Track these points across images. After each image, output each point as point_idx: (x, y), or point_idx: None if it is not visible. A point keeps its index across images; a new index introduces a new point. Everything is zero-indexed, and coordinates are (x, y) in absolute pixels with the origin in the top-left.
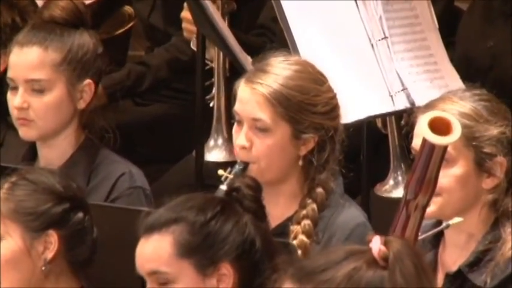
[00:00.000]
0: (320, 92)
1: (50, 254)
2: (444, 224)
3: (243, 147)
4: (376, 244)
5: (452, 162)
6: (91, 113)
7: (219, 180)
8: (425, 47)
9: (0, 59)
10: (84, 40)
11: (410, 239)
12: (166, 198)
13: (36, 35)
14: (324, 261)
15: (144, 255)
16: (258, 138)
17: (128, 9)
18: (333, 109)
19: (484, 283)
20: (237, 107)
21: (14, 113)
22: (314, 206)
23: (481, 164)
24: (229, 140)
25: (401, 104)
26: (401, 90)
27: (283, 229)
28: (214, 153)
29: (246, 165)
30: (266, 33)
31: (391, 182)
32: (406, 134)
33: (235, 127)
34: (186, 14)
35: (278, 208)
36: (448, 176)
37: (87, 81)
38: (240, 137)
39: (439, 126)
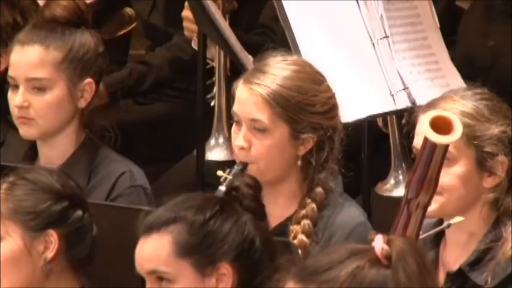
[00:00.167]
0: (318, 92)
1: (50, 253)
2: (445, 224)
3: (242, 148)
4: (379, 243)
5: (454, 161)
6: (92, 112)
7: (219, 179)
8: (426, 46)
9: (1, 58)
10: (85, 39)
11: (411, 238)
12: (166, 197)
13: (38, 34)
14: (326, 260)
15: (143, 255)
16: (257, 138)
17: (129, 10)
18: (331, 109)
19: (485, 282)
20: (236, 108)
21: (14, 111)
22: (313, 205)
23: (482, 163)
24: (230, 139)
25: (403, 103)
26: (403, 89)
27: (282, 229)
28: (215, 152)
29: (245, 165)
30: (267, 32)
31: (392, 181)
32: (407, 133)
33: (234, 128)
34: (187, 13)
35: (277, 208)
36: (449, 175)
37: (88, 80)
38: (239, 138)
39: (440, 125)
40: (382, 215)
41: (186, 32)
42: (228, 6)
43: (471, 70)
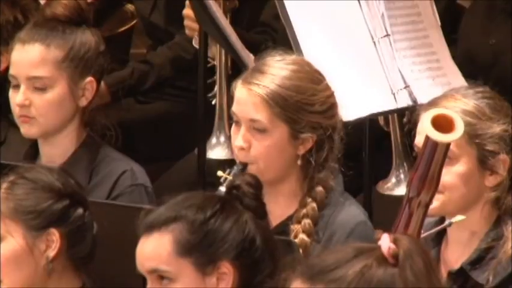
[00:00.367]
0: (317, 91)
1: (52, 252)
2: (447, 222)
3: (241, 148)
4: (386, 242)
5: (455, 160)
6: (93, 111)
7: (219, 180)
8: (427, 44)
9: (2, 56)
10: (86, 38)
11: (416, 237)
12: (167, 196)
13: (38, 33)
14: (333, 259)
15: (144, 254)
16: (256, 139)
17: (130, 7)
18: (330, 108)
19: (486, 281)
20: (235, 108)
21: (15, 110)
22: (314, 204)
23: (483, 162)
24: (231, 138)
25: (404, 101)
26: (404, 87)
27: (283, 228)
28: (217, 150)
29: (244, 166)
30: (268, 30)
31: (394, 179)
32: (409, 132)
33: (233, 128)
34: (188, 11)
35: (278, 207)
36: (450, 174)
37: (89, 78)
38: (238, 138)
39: (442, 124)
40: (384, 213)
41: (187, 31)
42: (229, 4)
43: (472, 68)
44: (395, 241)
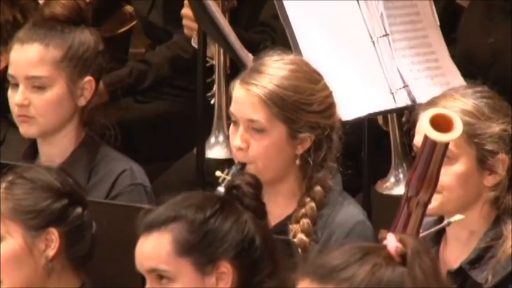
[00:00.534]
0: (315, 91)
1: (51, 252)
2: (445, 222)
3: (240, 149)
4: (392, 241)
5: (454, 160)
6: (91, 110)
7: (218, 179)
8: (426, 44)
9: (1, 56)
10: (85, 37)
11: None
12: (167, 195)
13: (37, 32)
14: (341, 259)
15: (143, 253)
16: (254, 139)
17: (129, 8)
18: (329, 107)
19: (485, 280)
20: (233, 108)
21: (14, 110)
22: (313, 204)
23: (482, 161)
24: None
25: (403, 101)
26: (403, 87)
27: (282, 228)
28: (215, 150)
29: (243, 166)
30: (267, 30)
31: (392, 179)
32: (408, 131)
33: (231, 128)
34: (186, 11)
35: (277, 207)
36: (449, 174)
37: (88, 78)
38: (236, 138)
39: (441, 124)
40: (382, 213)
41: (185, 30)
42: (228, 4)
43: (471, 68)
44: (401, 240)
